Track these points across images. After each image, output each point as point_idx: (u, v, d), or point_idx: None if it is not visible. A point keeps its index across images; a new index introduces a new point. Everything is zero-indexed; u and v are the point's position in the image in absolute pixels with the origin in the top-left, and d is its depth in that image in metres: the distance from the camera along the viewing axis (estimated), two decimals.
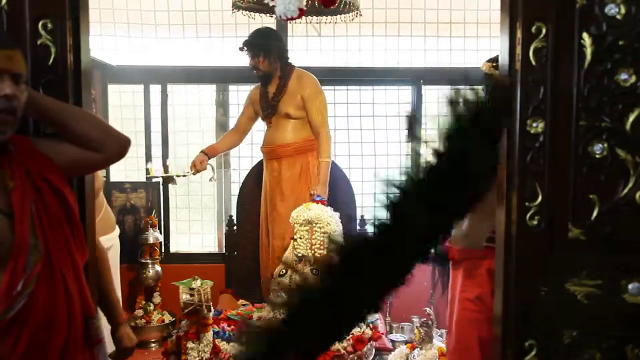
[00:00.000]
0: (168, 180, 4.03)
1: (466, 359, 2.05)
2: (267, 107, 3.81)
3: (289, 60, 3.84)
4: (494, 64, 2.06)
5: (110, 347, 2.00)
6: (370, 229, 1.31)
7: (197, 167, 3.86)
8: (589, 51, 1.51)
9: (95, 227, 1.80)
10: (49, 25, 1.57)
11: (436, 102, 4.46)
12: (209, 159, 3.92)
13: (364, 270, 1.26)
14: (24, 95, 1.41)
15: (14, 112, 1.37)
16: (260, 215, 3.96)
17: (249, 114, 3.99)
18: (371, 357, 3.07)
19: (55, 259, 1.42)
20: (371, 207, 4.53)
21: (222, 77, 4.50)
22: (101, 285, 1.89)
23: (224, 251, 4.31)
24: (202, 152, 3.92)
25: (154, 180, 4.18)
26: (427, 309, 3.22)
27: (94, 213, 1.72)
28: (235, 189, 4.36)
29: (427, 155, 1.29)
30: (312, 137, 3.77)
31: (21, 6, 1.56)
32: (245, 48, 3.68)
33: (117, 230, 2.90)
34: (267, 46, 3.66)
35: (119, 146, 1.58)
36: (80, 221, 1.53)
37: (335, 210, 3.34)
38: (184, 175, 4.02)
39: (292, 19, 2.99)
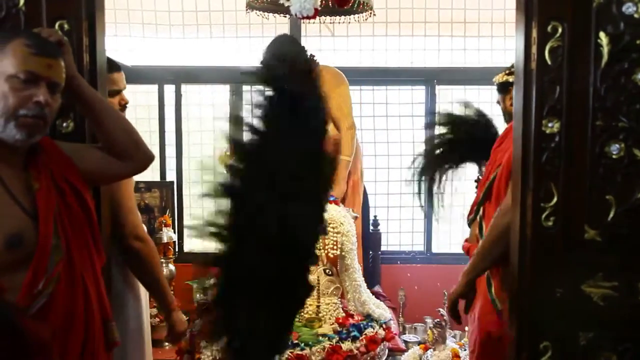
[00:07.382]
0: None
1: None
2: None
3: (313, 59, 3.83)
4: (507, 72, 2.06)
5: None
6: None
7: None
8: (605, 50, 1.50)
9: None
10: (66, 26, 1.59)
11: (450, 102, 4.43)
12: None
13: None
14: (57, 104, 1.42)
15: (44, 118, 1.38)
16: None
17: None
18: (384, 358, 3.07)
19: (76, 260, 1.43)
20: (384, 207, 4.52)
21: (235, 78, 4.51)
22: (154, 276, 2.00)
23: None
24: None
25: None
26: (441, 309, 3.20)
27: (108, 220, 1.73)
28: None
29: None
30: (337, 137, 3.63)
31: (38, 7, 1.58)
32: None
33: None
34: None
35: (144, 159, 1.60)
36: (98, 225, 1.54)
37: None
38: None
39: (307, 17, 2.98)
